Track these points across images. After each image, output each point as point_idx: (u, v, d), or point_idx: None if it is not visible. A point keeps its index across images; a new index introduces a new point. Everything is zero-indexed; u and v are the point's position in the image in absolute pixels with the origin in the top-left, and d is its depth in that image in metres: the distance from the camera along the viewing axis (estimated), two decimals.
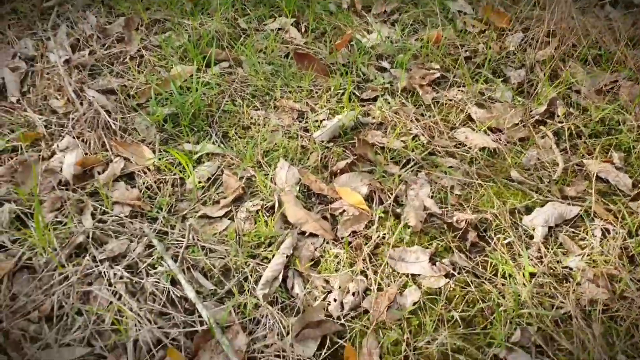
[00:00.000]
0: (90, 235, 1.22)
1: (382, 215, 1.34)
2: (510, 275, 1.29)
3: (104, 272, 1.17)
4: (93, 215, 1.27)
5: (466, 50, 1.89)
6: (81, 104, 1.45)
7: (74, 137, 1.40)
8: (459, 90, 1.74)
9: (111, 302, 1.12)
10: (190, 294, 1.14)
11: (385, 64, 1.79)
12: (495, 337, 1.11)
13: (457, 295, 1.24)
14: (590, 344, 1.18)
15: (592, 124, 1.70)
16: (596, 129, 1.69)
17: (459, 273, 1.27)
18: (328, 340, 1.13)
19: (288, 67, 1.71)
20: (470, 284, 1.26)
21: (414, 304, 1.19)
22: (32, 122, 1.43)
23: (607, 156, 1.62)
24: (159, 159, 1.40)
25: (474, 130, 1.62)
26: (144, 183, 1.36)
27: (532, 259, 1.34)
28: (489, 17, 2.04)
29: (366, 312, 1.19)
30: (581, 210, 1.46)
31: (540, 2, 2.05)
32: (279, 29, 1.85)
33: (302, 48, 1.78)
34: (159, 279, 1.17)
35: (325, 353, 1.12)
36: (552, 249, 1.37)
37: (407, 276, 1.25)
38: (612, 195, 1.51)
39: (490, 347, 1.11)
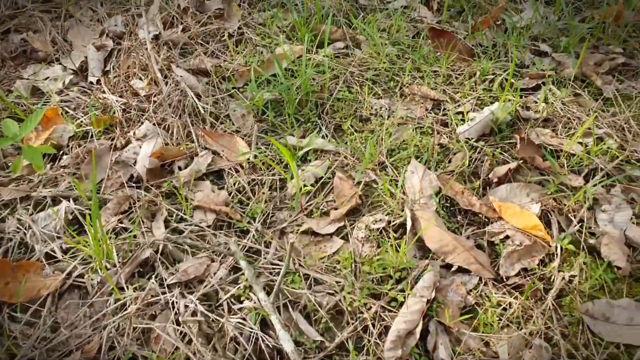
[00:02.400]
0: (160, 250, 0.86)
1: (568, 246, 0.86)
2: None
3: (173, 303, 0.80)
4: (167, 222, 0.92)
5: None
6: (166, 84, 1.13)
7: (154, 124, 1.06)
8: None
9: (177, 348, 0.75)
10: (287, 345, 0.73)
11: (545, 47, 1.31)
12: None
13: None
14: None
15: None
16: None
17: None
18: None
19: (419, 48, 1.29)
20: None
21: None
22: (109, 105, 1.12)
23: None
24: (256, 155, 1.02)
25: None
26: (234, 184, 0.99)
27: None
28: None
29: None
30: None
31: None
32: (404, 7, 1.43)
33: (437, 26, 1.34)
34: (244, 318, 0.78)
35: None
36: None
37: (619, 348, 0.76)
38: None
39: None
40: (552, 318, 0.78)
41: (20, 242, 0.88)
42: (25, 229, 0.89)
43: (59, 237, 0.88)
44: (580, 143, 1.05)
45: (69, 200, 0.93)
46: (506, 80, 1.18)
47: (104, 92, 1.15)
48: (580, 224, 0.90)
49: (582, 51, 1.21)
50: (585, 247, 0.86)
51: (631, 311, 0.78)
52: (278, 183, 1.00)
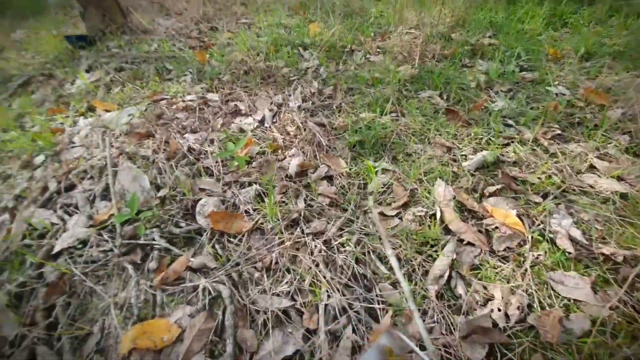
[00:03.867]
0: (302, 214, 0.82)
1: (537, 237, 0.74)
2: None
3: (308, 242, 0.75)
4: (305, 200, 0.87)
5: (576, 117, 1.17)
6: (304, 129, 1.08)
7: (297, 149, 1.02)
8: (577, 144, 1.05)
9: (310, 268, 0.70)
10: (393, 260, 0.67)
11: (510, 122, 1.16)
12: None
13: (624, 329, 0.60)
14: None
15: None
16: None
17: (624, 306, 0.62)
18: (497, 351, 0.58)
19: (438, 118, 1.17)
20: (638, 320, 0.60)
21: (583, 331, 0.58)
22: (275, 139, 1.09)
23: None
24: (350, 168, 0.96)
25: (600, 176, 0.92)
26: (339, 183, 0.92)
27: None
28: (589, 97, 1.28)
29: (531, 327, 0.61)
30: None
31: (636, 86, 1.24)
32: (429, 97, 1.33)
33: (450, 108, 1.23)
34: (346, 255, 0.72)
35: None
36: None
37: (569, 300, 0.64)
38: None
39: None
40: (528, 278, 0.67)
41: (234, 204, 0.86)
42: (235, 197, 0.88)
43: (251, 203, 0.86)
44: (539, 178, 0.91)
45: (257, 184, 0.91)
46: (489, 139, 1.06)
47: (272, 132, 1.13)
48: (541, 225, 0.78)
49: (537, 127, 1.07)
50: (547, 239, 0.73)
51: (576, 279, 0.65)
52: (362, 185, 0.92)
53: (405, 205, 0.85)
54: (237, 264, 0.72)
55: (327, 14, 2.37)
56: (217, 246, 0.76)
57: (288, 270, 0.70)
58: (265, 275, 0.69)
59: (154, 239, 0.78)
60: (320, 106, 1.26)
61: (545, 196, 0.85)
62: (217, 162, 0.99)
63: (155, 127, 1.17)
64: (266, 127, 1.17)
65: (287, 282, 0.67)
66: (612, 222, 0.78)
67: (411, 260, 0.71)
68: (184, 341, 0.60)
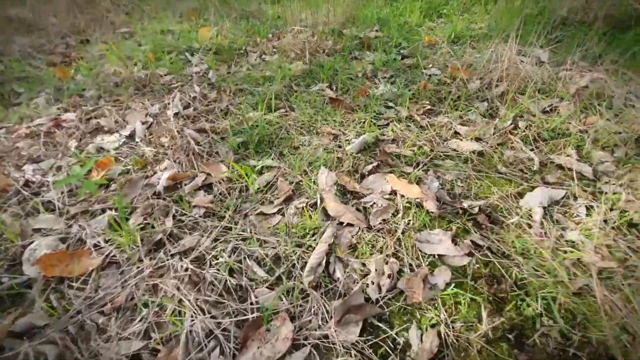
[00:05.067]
0: (168, 233, 0.72)
1: (407, 205, 0.78)
2: (527, 251, 0.70)
3: (173, 264, 0.66)
4: (174, 216, 0.77)
5: (444, 92, 1.32)
6: (181, 139, 0.98)
7: (171, 161, 0.92)
8: (444, 116, 1.17)
9: (173, 295, 0.61)
10: (259, 270, 0.61)
11: (390, 104, 1.24)
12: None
13: (483, 273, 0.66)
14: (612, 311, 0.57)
15: (547, 132, 1.08)
16: (551, 135, 1.08)
17: (479, 251, 0.69)
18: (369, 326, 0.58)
19: (325, 108, 1.19)
20: (493, 261, 0.67)
21: (446, 283, 0.62)
22: (145, 154, 0.97)
23: (564, 152, 1.00)
24: (232, 172, 0.90)
25: (462, 140, 1.04)
26: (218, 190, 0.85)
27: (537, 236, 0.74)
28: (454, 73, 1.46)
29: (402, 292, 0.62)
30: (567, 192, 0.85)
31: (490, 58, 1.46)
32: (319, 89, 1.35)
33: (334, 97, 1.26)
34: (218, 269, 0.66)
35: (366, 337, 0.56)
36: (554, 226, 0.76)
37: (434, 257, 0.68)
38: (581, 180, 0.89)
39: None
40: (399, 245, 0.70)
41: (79, 239, 0.72)
42: (83, 230, 0.74)
43: (103, 234, 0.73)
44: (411, 150, 0.98)
45: (113, 210, 0.79)
46: (371, 121, 1.11)
47: (142, 147, 1.00)
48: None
49: (407, 103, 1.16)
50: (415, 204, 0.78)
51: (440, 235, 0.70)
52: (245, 188, 0.87)
53: (289, 200, 0.83)
54: (78, 313, 0.59)
55: (222, 17, 2.30)
56: (52, 297, 0.61)
57: (145, 305, 0.60)
58: (113, 318, 0.58)
59: None
60: (203, 111, 1.18)
61: (416, 166, 0.91)
62: (62, 193, 0.82)
63: None
64: (136, 142, 1.03)
65: (141, 319, 0.57)
66: (471, 178, 0.88)
67: (291, 256, 0.68)
68: None
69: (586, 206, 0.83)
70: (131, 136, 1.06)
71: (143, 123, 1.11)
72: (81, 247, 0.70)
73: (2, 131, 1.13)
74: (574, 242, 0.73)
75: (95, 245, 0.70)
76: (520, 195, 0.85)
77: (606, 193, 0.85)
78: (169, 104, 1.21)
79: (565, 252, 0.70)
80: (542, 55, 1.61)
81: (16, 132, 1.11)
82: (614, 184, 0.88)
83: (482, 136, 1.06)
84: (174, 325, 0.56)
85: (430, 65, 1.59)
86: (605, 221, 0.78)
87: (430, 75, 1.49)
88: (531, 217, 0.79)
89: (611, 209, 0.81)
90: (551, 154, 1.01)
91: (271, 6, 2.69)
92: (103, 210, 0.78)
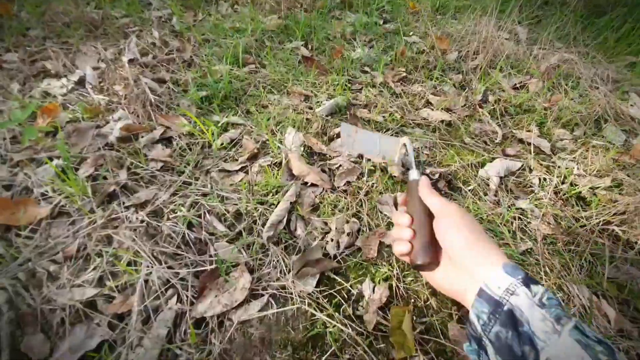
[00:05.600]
0: (121, 185, 0.69)
1: (371, 168, 0.80)
2: (480, 216, 0.75)
3: (128, 216, 0.64)
4: (129, 169, 0.73)
5: (422, 61, 1.30)
6: (137, 88, 0.91)
7: (125, 111, 0.86)
8: (419, 84, 1.16)
9: (128, 246, 0.60)
10: (219, 225, 0.61)
11: (367, 69, 1.21)
12: None
13: None
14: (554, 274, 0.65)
15: (513, 108, 1.12)
16: (517, 110, 1.12)
17: None
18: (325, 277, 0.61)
19: (298, 68, 1.14)
20: None
21: None
22: (97, 102, 0.90)
23: (527, 127, 1.05)
24: (194, 127, 0.86)
25: (432, 110, 1.05)
26: (178, 145, 0.81)
27: (491, 202, 0.79)
28: (435, 42, 1.44)
29: (359, 250, 0.65)
30: (523, 164, 0.91)
31: (470, 30, 1.45)
32: (294, 47, 1.28)
33: (308, 56, 1.21)
34: (176, 223, 0.65)
35: (322, 288, 0.59)
36: (507, 195, 0.82)
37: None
38: (538, 154, 0.95)
39: None
40: (362, 206, 0.72)
41: (25, 188, 0.67)
42: (29, 178, 0.69)
43: (52, 183, 0.68)
44: (383, 116, 0.98)
45: (59, 159, 0.73)
46: (345, 85, 1.08)
47: (94, 94, 0.91)
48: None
49: (382, 69, 1.14)
50: (380, 168, 0.80)
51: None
52: (207, 144, 0.83)
53: (253, 158, 0.81)
54: (28, 260, 0.56)
55: None
56: None
57: (98, 255, 0.58)
58: (65, 267, 0.56)
59: None
60: (164, 60, 1.08)
61: (386, 132, 0.92)
62: (4, 139, 0.75)
63: None
64: (87, 89, 0.94)
65: (94, 268, 0.56)
66: (437, 147, 0.90)
67: (253, 213, 0.68)
68: None
69: (539, 178, 0.89)
70: (81, 82, 0.96)
71: (95, 69, 1.01)
72: (27, 196, 0.65)
73: None
74: (524, 209, 0.79)
75: (42, 195, 0.65)
76: (481, 165, 0.90)
77: (559, 167, 0.91)
78: (124, 49, 1.10)
79: (514, 218, 0.76)
80: (520, 32, 1.62)
81: None
82: (566, 158, 0.95)
83: (452, 107, 1.08)
84: (129, 275, 0.55)
85: (411, 33, 1.55)
86: (555, 193, 0.85)
87: (410, 43, 1.46)
88: (488, 185, 0.84)
89: (562, 182, 0.88)
90: (514, 128, 1.06)
91: None
92: (50, 159, 0.72)
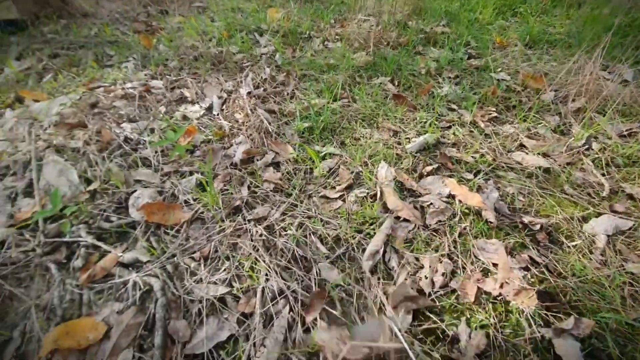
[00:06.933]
0: (245, 201, 0.82)
1: (465, 211, 0.80)
2: (585, 275, 0.69)
3: (249, 229, 0.76)
4: (249, 187, 0.86)
5: (513, 101, 1.27)
6: (254, 117, 1.07)
7: (245, 137, 1.01)
8: (511, 126, 1.14)
9: (250, 254, 0.71)
10: (320, 246, 0.69)
11: (454, 106, 1.23)
12: None
13: (537, 289, 0.67)
14: None
15: (621, 158, 1.01)
16: (625, 162, 1.01)
17: (535, 268, 0.70)
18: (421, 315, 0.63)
19: (387, 104, 1.21)
20: (549, 279, 0.68)
21: (498, 293, 0.65)
22: (222, 126, 1.07)
23: (638, 182, 0.94)
24: (297, 154, 0.97)
25: (527, 153, 1.02)
26: (285, 169, 0.93)
27: (597, 262, 0.73)
28: (527, 81, 1.39)
29: (453, 291, 0.66)
30: (635, 224, 0.81)
31: (572, 71, 1.37)
32: (380, 83, 1.36)
33: (397, 93, 1.27)
34: (287, 240, 0.74)
35: (418, 325, 0.62)
36: (616, 256, 0.74)
37: (489, 264, 0.70)
38: None
39: None
40: (455, 247, 0.73)
41: (172, 194, 0.85)
42: (175, 187, 0.86)
43: (191, 193, 0.85)
44: (473, 157, 0.98)
45: (199, 174, 0.89)
46: (433, 122, 1.11)
47: (220, 119, 1.11)
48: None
49: (472, 108, 1.14)
50: (473, 211, 0.80)
51: (496, 246, 0.72)
52: (309, 170, 0.94)
53: (349, 188, 0.88)
54: (174, 256, 0.70)
55: None
56: (152, 239, 0.74)
57: (227, 258, 0.70)
58: (202, 265, 0.69)
59: (80, 236, 0.74)
60: (272, 93, 1.25)
61: (477, 173, 0.92)
62: (156, 152, 0.95)
63: (89, 116, 1.10)
64: (214, 114, 1.14)
65: (225, 270, 0.67)
66: (533, 194, 0.87)
67: (351, 240, 0.74)
68: (111, 338, 0.59)
69: None
70: (209, 108, 1.16)
71: (219, 97, 1.22)
72: (174, 201, 0.82)
73: (100, 90, 1.30)
74: (634, 274, 0.72)
75: (186, 202, 0.81)
76: (585, 219, 0.83)
77: None
78: (241, 82, 1.30)
79: (624, 282, 0.69)
80: (626, 74, 1.46)
81: (112, 92, 1.27)
82: None
83: (550, 152, 1.03)
84: (251, 279, 0.65)
85: (500, 69, 1.52)
86: None
87: (498, 80, 1.43)
88: (594, 243, 0.78)
89: None
90: (623, 182, 0.96)
91: None
92: (190, 173, 0.89)
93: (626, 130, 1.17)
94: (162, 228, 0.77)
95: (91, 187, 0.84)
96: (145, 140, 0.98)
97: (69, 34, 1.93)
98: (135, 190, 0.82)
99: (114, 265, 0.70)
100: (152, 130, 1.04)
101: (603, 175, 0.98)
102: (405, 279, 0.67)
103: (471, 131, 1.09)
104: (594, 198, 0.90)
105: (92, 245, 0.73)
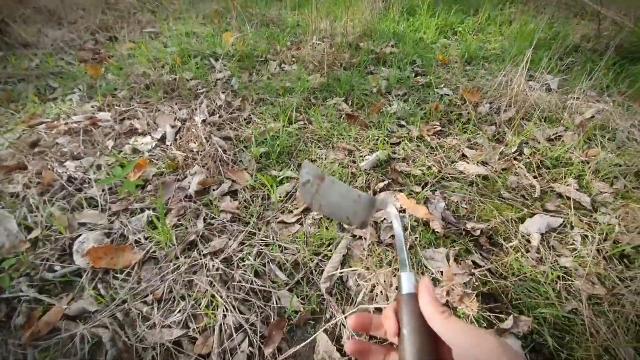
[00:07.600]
0: (200, 234, 0.81)
1: (414, 223, 0.85)
2: (524, 274, 0.76)
3: (206, 263, 0.74)
4: (204, 219, 0.85)
5: (454, 114, 1.39)
6: (208, 145, 1.06)
7: (200, 166, 1.00)
8: (453, 138, 1.24)
9: (206, 290, 0.69)
10: (280, 274, 0.69)
11: (403, 122, 1.31)
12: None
13: (481, 291, 0.73)
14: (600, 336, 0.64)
15: (550, 160, 1.15)
16: (554, 163, 1.14)
17: (479, 271, 0.76)
18: None
19: (341, 123, 1.27)
20: (491, 280, 0.74)
21: (445, 301, 0.69)
22: (176, 157, 1.06)
23: (565, 181, 1.07)
24: (255, 181, 0.98)
25: (468, 163, 1.11)
26: (243, 197, 0.93)
27: (534, 260, 0.81)
28: (465, 96, 1.53)
29: None
30: (565, 220, 0.92)
31: (503, 83, 1.53)
32: (335, 103, 1.43)
33: (350, 113, 1.34)
34: (245, 271, 0.73)
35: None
36: (550, 252, 0.83)
37: (439, 272, 0.75)
38: (579, 209, 0.96)
39: None
40: None
41: (122, 235, 0.81)
42: (124, 227, 0.83)
43: (143, 231, 0.82)
44: (420, 169, 1.05)
45: (151, 210, 0.87)
46: (384, 139, 1.18)
47: (173, 150, 1.08)
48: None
49: (418, 124, 1.23)
50: (422, 222, 0.85)
51: (443, 254, 0.77)
52: (267, 196, 0.95)
53: (307, 210, 0.90)
54: (124, 302, 0.67)
55: (243, 22, 2.38)
56: (99, 286, 0.70)
57: (182, 298, 0.68)
58: (155, 308, 0.66)
59: (21, 290, 0.68)
60: (228, 119, 1.26)
61: (424, 186, 0.99)
62: (103, 190, 0.91)
63: (29, 156, 1.02)
64: (167, 145, 1.12)
65: (179, 311, 0.65)
66: (475, 201, 0.95)
67: (309, 263, 0.75)
68: None
69: (582, 235, 0.90)
70: (162, 139, 1.14)
71: (172, 127, 1.20)
72: (123, 242, 0.78)
73: (42, 126, 1.22)
74: (567, 268, 0.80)
75: (136, 242, 0.78)
76: (521, 220, 0.92)
77: (601, 224, 0.91)
78: (195, 109, 1.30)
79: (559, 277, 0.77)
80: (551, 82, 1.67)
81: (55, 127, 1.20)
82: (609, 215, 0.95)
83: (488, 160, 1.13)
84: (207, 318, 0.64)
85: (443, 85, 1.66)
86: (598, 251, 0.85)
87: (442, 95, 1.56)
88: (529, 242, 0.86)
89: (605, 239, 0.88)
90: (552, 182, 1.07)
91: (291, 13, 2.77)
92: (142, 209, 0.86)
93: (553, 134, 1.33)
94: (110, 273, 0.73)
95: (32, 235, 0.78)
96: (90, 179, 0.93)
97: (6, 66, 1.80)
98: (80, 235, 0.78)
99: (60, 319, 0.65)
100: (99, 167, 1.00)
101: (535, 177, 1.09)
102: (363, 298, 0.69)
103: (418, 145, 1.17)
104: (527, 199, 1.00)
105: (34, 299, 0.67)
